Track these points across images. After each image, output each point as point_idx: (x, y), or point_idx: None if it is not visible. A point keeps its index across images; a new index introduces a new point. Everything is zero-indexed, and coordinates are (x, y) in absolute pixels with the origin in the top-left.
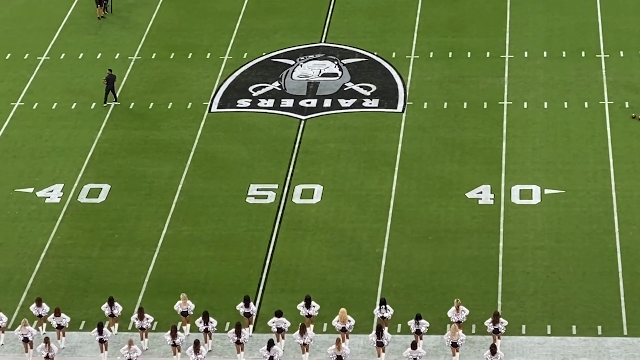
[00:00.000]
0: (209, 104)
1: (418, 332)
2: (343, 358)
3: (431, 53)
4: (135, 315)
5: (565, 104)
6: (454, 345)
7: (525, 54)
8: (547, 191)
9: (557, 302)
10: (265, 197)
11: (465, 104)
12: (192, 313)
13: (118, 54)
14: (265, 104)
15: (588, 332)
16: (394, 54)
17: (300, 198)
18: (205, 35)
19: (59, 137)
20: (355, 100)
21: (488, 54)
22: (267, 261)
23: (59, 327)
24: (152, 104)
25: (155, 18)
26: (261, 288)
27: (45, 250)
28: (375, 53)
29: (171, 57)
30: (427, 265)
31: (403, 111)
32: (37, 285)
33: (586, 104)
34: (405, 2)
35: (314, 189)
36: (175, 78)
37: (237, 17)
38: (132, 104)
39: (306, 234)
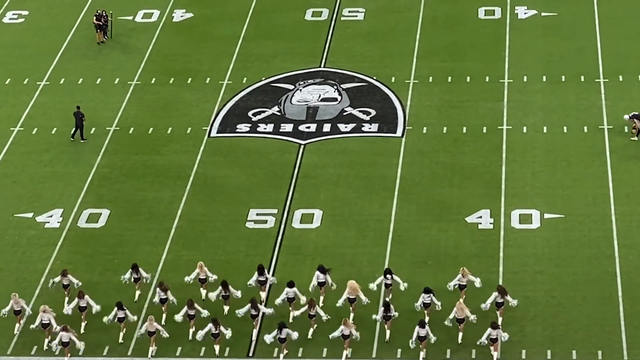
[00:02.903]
0: (208, 128)
1: (426, 305)
2: (350, 337)
3: (430, 78)
4: (158, 290)
5: (565, 128)
6: (460, 321)
7: (525, 79)
8: (546, 216)
9: (557, 327)
10: (265, 221)
11: (464, 128)
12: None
13: (118, 79)
14: (265, 128)
15: (588, 357)
16: (393, 78)
17: (300, 223)
18: (204, 60)
19: (58, 162)
20: (354, 124)
21: (487, 79)
22: (267, 286)
23: (82, 309)
24: (151, 128)
25: (154, 43)
26: (261, 312)
27: (44, 275)
28: (375, 77)
29: (171, 82)
30: None
31: (402, 136)
32: (36, 310)
33: (585, 128)
34: (404, 27)
35: (313, 214)
36: (175, 103)
37: (236, 42)
38: (132, 128)
39: (306, 259)
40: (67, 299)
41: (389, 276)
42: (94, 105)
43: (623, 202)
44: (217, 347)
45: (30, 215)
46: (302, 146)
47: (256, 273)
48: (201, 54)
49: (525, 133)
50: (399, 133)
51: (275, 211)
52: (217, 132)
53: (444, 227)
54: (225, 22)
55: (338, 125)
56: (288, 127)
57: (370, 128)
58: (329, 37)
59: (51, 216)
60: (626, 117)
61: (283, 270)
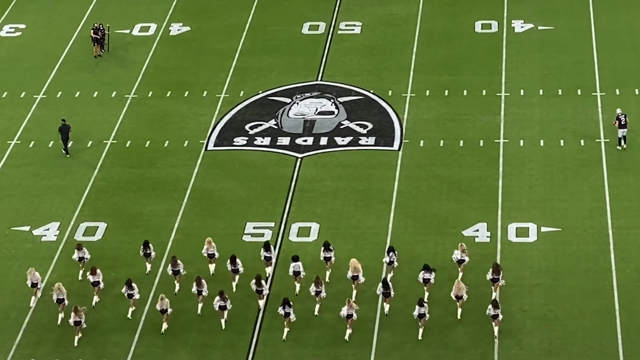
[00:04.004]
0: (205, 142)
1: (426, 281)
2: (352, 317)
3: (427, 91)
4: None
5: (562, 141)
6: (458, 298)
7: (522, 92)
8: (543, 229)
9: (554, 340)
10: (262, 235)
11: (461, 141)
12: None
13: (115, 92)
14: (262, 142)
15: None
16: (390, 92)
17: (297, 236)
18: (201, 74)
19: (55, 175)
20: (351, 138)
21: (484, 92)
22: (265, 299)
23: (95, 284)
24: (148, 142)
25: (151, 56)
26: (258, 325)
27: (41, 288)
28: (372, 91)
29: (168, 95)
30: None
31: (399, 149)
32: (33, 324)
33: (582, 141)
34: (401, 40)
35: (310, 227)
36: (172, 116)
37: (233, 55)
38: (129, 142)
39: (303, 272)
40: (81, 272)
41: (391, 254)
42: (91, 118)
43: (620, 215)
44: (223, 320)
45: (27, 228)
46: (299, 159)
47: (263, 250)
48: (198, 67)
49: (522, 146)
50: (395, 146)
51: (272, 224)
52: (214, 146)
53: (441, 240)
54: (222, 36)
55: (335, 138)
56: (285, 141)
57: (367, 141)
58: (326, 51)
59: (48, 229)
60: (619, 111)
61: (280, 283)
